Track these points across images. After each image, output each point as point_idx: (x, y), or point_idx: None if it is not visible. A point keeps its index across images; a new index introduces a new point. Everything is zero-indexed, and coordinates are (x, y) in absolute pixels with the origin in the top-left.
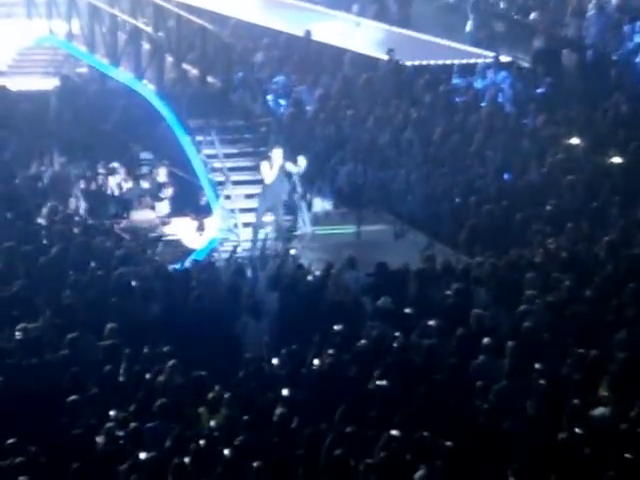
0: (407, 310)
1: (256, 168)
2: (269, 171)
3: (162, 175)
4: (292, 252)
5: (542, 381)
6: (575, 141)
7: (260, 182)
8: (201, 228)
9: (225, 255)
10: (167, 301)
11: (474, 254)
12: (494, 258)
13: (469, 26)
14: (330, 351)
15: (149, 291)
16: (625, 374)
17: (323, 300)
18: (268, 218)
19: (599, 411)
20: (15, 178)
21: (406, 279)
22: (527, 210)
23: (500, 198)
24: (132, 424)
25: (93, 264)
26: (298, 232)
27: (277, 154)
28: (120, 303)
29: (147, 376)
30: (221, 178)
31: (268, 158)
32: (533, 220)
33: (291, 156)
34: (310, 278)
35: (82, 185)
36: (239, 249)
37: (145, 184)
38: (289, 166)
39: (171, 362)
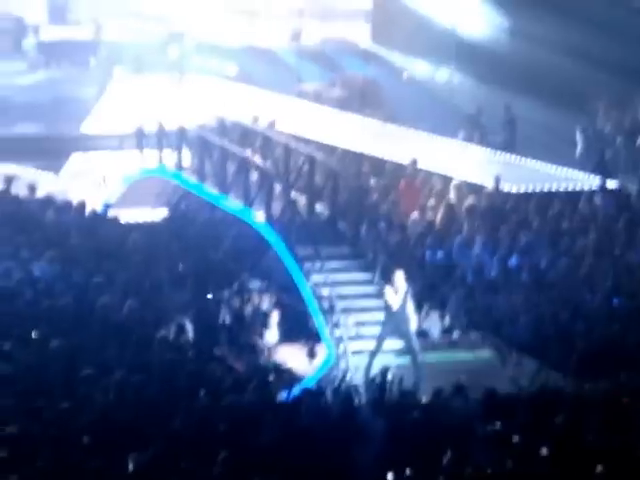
0: (516, 438)
1: (364, 296)
2: (394, 296)
3: (270, 303)
4: (393, 377)
5: None
6: None
7: (368, 309)
8: (310, 355)
9: (335, 383)
10: (276, 430)
11: (584, 380)
12: (605, 383)
13: (578, 151)
14: (440, 478)
15: (258, 420)
16: None
17: (432, 427)
18: (389, 344)
19: None
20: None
21: (516, 405)
22: (638, 334)
23: (611, 322)
24: None
25: (202, 392)
26: (407, 359)
27: (400, 277)
28: (229, 432)
29: None
30: (329, 305)
31: (392, 282)
32: None
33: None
34: (418, 404)
35: (192, 313)
36: (348, 376)
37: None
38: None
39: None
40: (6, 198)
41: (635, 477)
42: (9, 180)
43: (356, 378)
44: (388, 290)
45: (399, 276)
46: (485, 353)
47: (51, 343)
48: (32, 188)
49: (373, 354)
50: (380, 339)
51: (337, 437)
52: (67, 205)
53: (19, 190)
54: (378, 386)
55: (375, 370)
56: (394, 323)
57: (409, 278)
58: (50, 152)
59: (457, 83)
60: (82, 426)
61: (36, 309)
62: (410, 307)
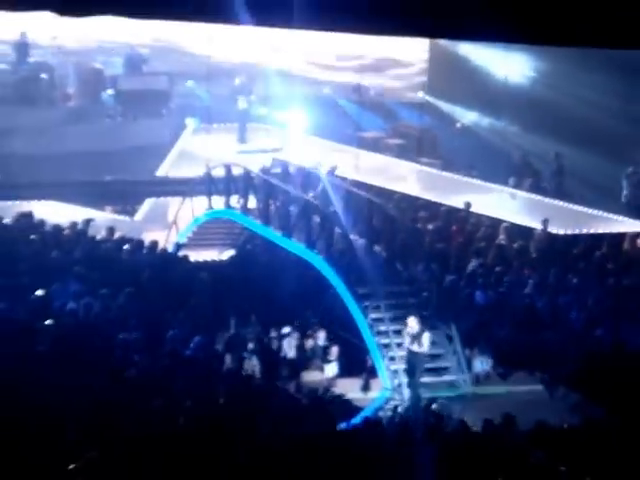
0: (563, 468)
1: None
2: (407, 337)
3: (330, 338)
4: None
5: None
6: None
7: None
8: (368, 388)
9: (390, 414)
10: (334, 460)
11: (630, 413)
12: None
13: (624, 197)
14: None
15: (317, 450)
16: None
17: (483, 458)
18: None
19: None
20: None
21: (564, 437)
22: None
23: None
24: None
25: (265, 422)
26: (460, 391)
27: (412, 322)
28: (290, 460)
29: None
30: (386, 340)
31: (406, 325)
32: None
33: (452, 320)
34: (469, 436)
35: (255, 347)
36: (399, 409)
37: (314, 347)
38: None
39: None
40: (84, 239)
41: None
42: (87, 222)
43: (406, 410)
44: (404, 331)
45: (411, 320)
46: (534, 387)
47: (124, 374)
48: (110, 230)
49: (413, 387)
50: (409, 375)
51: (393, 467)
52: (140, 245)
53: (96, 232)
54: (426, 417)
55: (423, 403)
56: (412, 362)
57: (463, 315)
58: (126, 196)
59: (508, 133)
60: (153, 454)
61: (110, 342)
62: (422, 348)
